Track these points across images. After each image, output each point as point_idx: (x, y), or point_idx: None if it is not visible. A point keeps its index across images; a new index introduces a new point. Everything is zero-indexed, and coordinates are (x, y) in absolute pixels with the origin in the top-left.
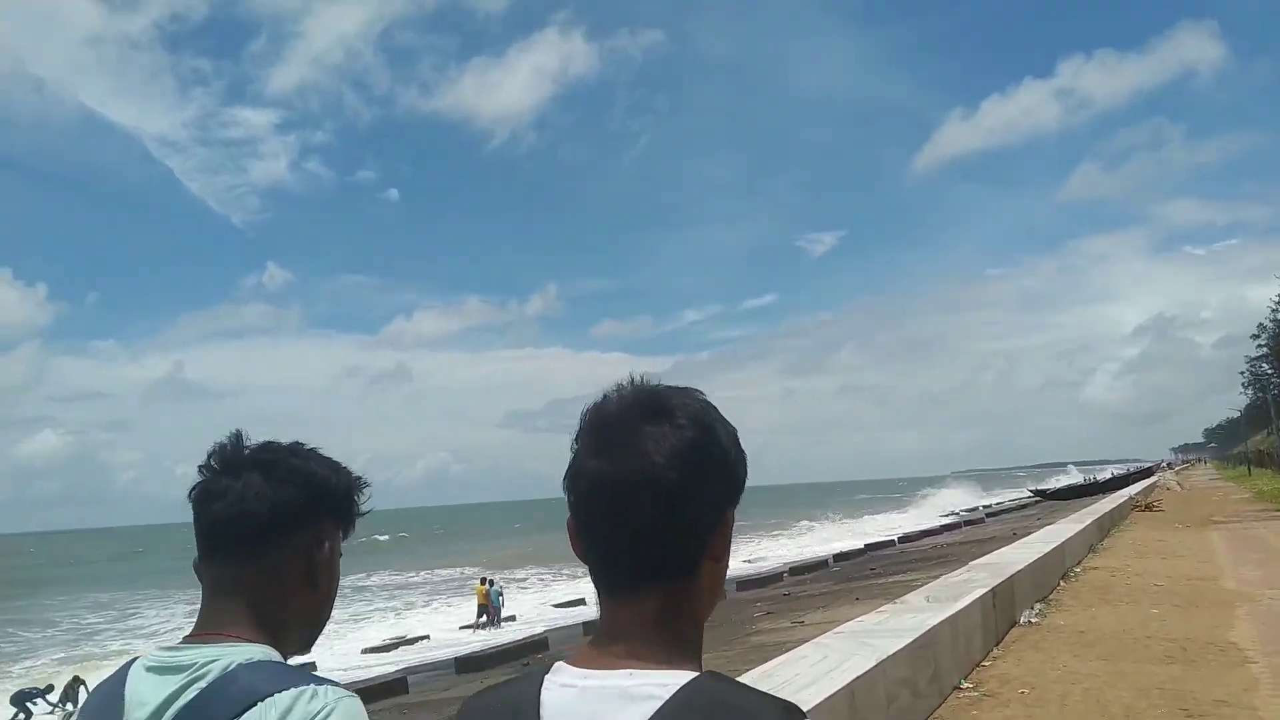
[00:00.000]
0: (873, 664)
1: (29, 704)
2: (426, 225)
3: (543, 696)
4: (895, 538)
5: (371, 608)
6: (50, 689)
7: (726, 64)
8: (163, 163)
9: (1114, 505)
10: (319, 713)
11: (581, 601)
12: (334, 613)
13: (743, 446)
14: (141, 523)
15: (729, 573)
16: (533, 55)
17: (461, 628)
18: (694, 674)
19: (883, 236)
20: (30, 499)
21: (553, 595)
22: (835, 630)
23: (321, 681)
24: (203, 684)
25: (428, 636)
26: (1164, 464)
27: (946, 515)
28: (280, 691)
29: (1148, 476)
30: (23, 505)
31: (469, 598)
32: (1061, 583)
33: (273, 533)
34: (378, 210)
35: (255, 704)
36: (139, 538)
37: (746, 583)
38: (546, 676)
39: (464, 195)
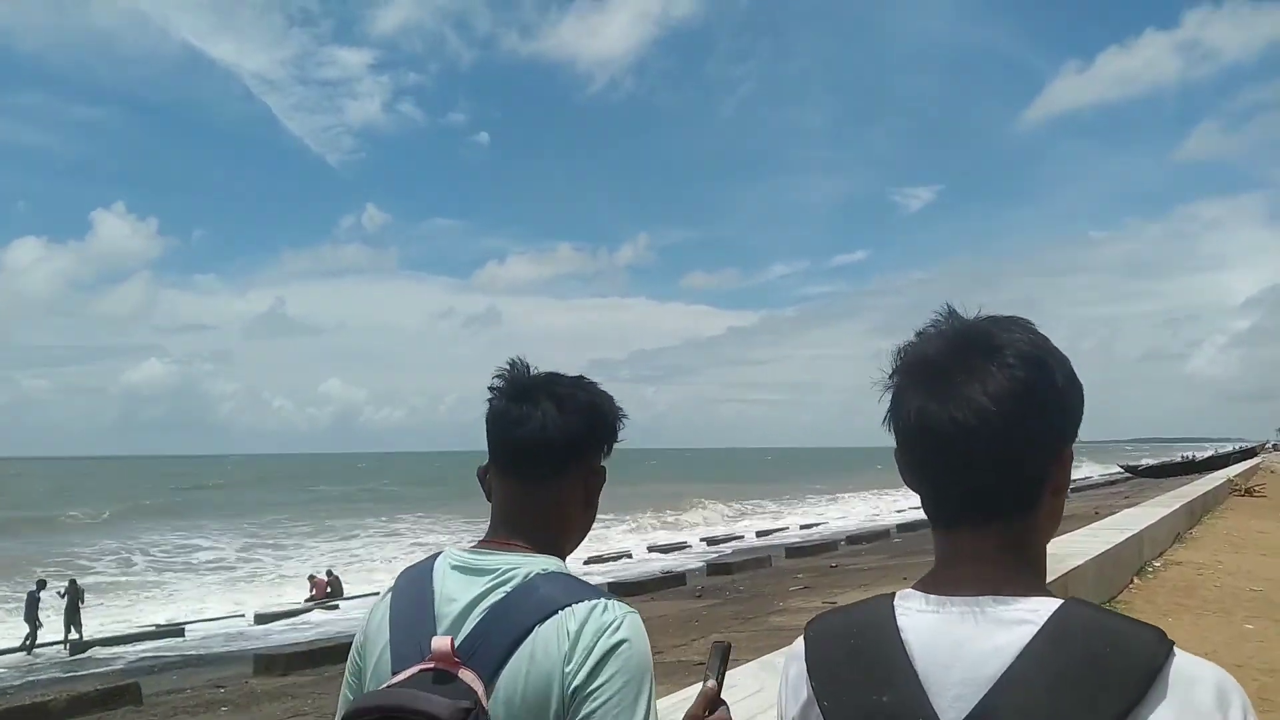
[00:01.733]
0: None
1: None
2: (520, 170)
3: (899, 621)
4: None
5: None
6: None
7: (828, 9)
8: (261, 100)
9: (1209, 487)
10: (610, 625)
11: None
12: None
13: (1077, 377)
14: (240, 451)
15: (779, 539)
16: None
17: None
18: (1060, 600)
19: (983, 193)
20: (136, 423)
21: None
22: None
23: (609, 596)
24: (507, 588)
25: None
26: (1269, 445)
27: None
28: (577, 603)
29: (1250, 457)
30: (130, 429)
31: None
32: (1135, 580)
33: (566, 460)
34: (471, 154)
35: (556, 611)
36: (247, 465)
37: (796, 550)
38: (896, 601)
39: (559, 140)
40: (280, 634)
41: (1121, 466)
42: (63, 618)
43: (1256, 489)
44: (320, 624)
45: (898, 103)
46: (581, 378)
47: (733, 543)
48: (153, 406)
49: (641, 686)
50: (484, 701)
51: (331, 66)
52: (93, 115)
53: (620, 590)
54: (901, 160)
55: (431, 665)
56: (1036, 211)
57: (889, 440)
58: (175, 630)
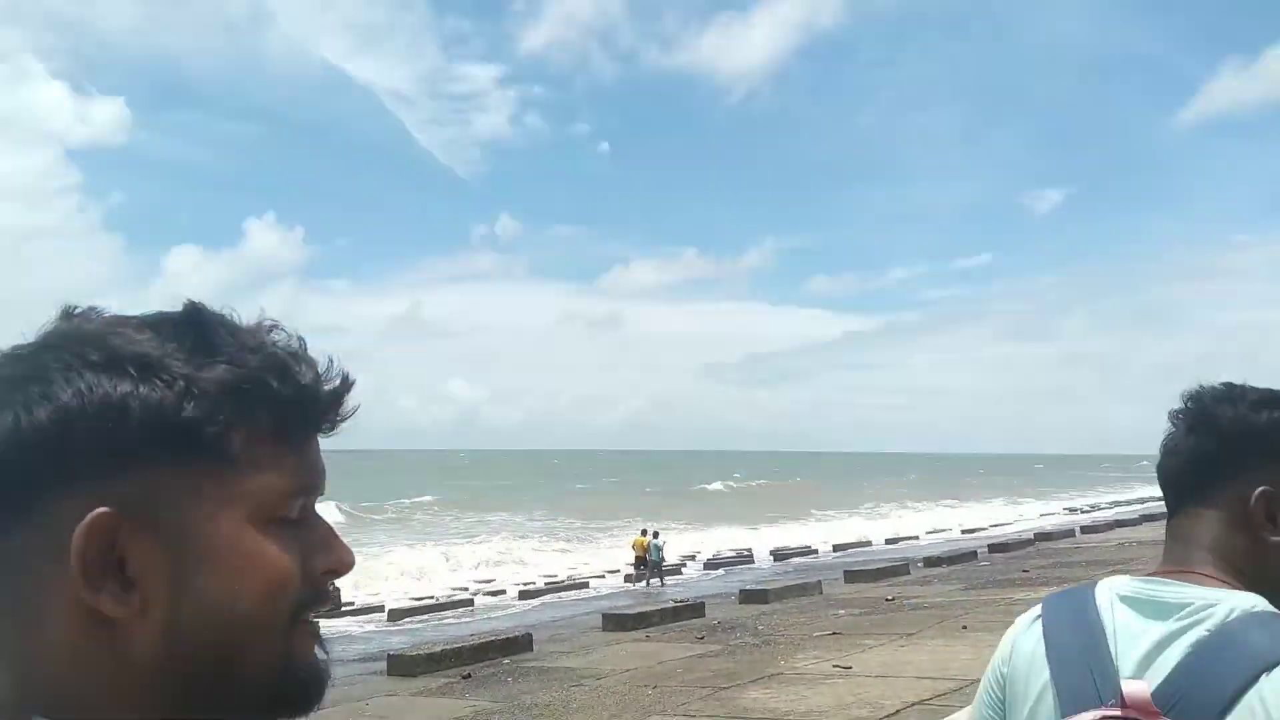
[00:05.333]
0: None
1: None
2: (651, 179)
3: None
4: (1078, 526)
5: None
6: None
7: (969, 13)
8: (395, 115)
9: None
10: None
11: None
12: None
13: None
14: (361, 448)
15: (837, 559)
16: (780, 8)
17: (625, 577)
18: None
19: (1117, 196)
20: None
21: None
22: None
23: None
24: (1207, 627)
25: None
26: None
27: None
28: None
29: None
30: None
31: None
32: None
33: (1199, 482)
34: (597, 165)
35: None
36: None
37: (856, 574)
38: None
39: (695, 150)
40: None
41: None
42: None
43: None
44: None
45: (1029, 105)
46: (1235, 386)
47: (794, 559)
48: None
49: None
50: None
51: (462, 82)
52: (243, 131)
53: (613, 624)
54: (1030, 163)
55: (1119, 712)
56: (1177, 214)
57: (1025, 447)
58: None
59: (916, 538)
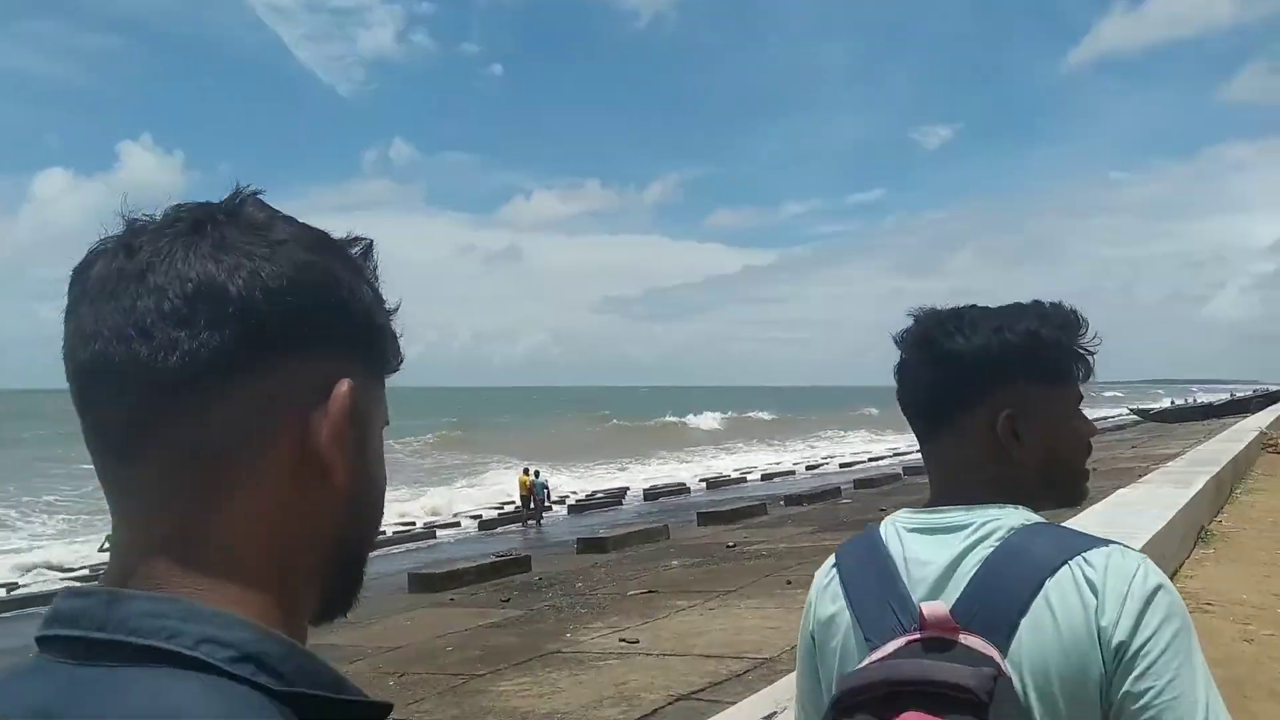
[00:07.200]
0: None
1: None
2: (549, 105)
3: None
4: None
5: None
6: None
7: None
8: (273, 30)
9: (1239, 446)
10: (1136, 571)
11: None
12: None
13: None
14: None
15: (705, 498)
16: None
17: (481, 524)
18: None
19: (1004, 133)
20: None
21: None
22: None
23: (1116, 541)
24: (991, 542)
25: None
26: None
27: None
28: (1087, 550)
29: (1275, 402)
30: None
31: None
32: None
33: (949, 409)
34: (491, 88)
35: (1064, 562)
36: None
37: (713, 515)
38: None
39: (595, 77)
40: None
41: (1132, 410)
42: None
43: None
44: None
45: (923, 42)
46: (963, 311)
47: (663, 499)
48: None
49: (1192, 635)
50: (1004, 667)
51: None
52: (110, 44)
53: (419, 584)
54: (923, 99)
55: (919, 635)
56: (1060, 152)
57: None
58: None
59: (792, 473)
